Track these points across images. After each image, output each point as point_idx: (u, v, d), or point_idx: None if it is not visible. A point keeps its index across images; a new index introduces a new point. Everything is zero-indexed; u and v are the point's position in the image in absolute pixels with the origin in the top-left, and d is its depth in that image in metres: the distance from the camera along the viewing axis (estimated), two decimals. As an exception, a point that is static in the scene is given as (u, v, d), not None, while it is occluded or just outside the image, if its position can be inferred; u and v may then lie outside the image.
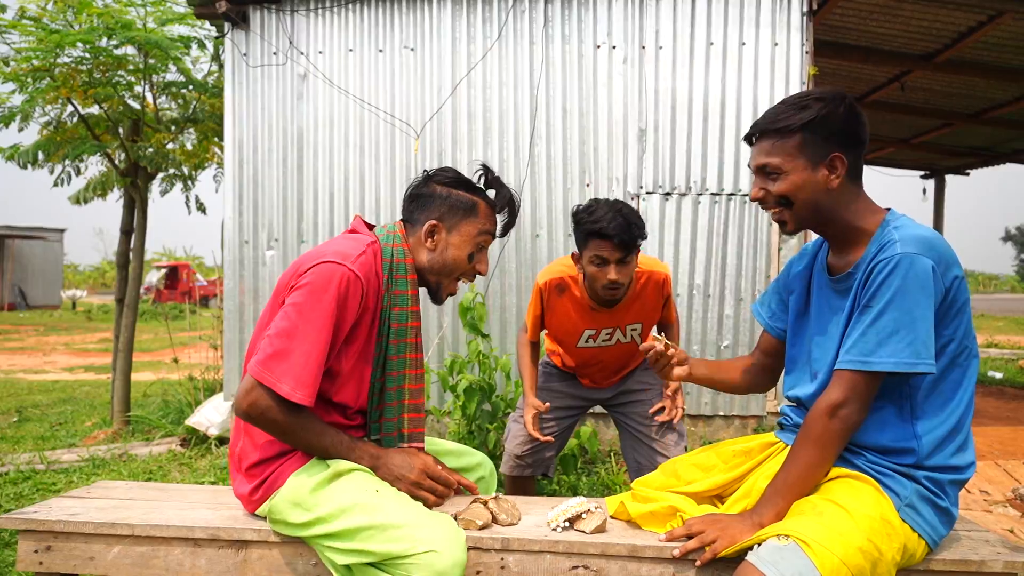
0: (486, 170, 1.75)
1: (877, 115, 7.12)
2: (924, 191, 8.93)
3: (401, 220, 1.75)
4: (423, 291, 1.79)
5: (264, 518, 1.64)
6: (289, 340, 1.47)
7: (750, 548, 1.35)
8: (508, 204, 1.73)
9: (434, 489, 1.63)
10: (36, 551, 1.68)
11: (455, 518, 1.60)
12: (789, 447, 1.57)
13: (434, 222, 1.67)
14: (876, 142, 8.29)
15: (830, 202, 1.44)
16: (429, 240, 1.68)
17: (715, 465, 1.65)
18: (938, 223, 8.88)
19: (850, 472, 1.45)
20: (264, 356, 1.48)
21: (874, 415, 1.43)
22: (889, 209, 1.49)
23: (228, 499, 1.85)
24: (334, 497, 1.51)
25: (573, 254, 2.34)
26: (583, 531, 1.58)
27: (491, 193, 1.76)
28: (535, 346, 2.61)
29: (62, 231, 26.87)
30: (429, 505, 1.60)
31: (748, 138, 1.51)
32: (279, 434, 1.53)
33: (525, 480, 2.62)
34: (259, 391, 1.47)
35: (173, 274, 27.57)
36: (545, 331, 2.60)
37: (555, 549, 1.55)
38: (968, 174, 9.04)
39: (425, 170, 1.76)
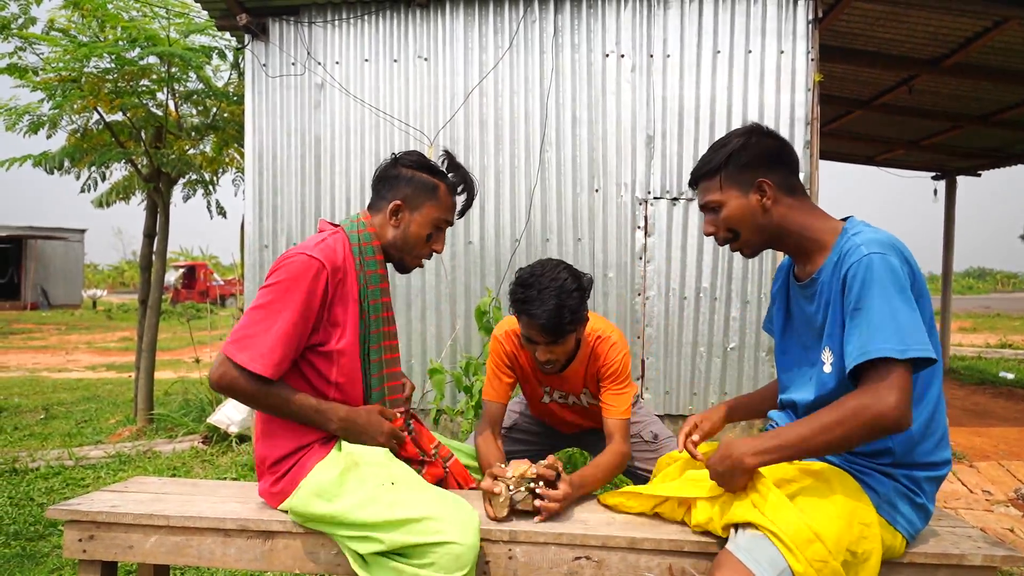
0: (448, 156, 1.89)
1: (885, 117, 7.15)
2: (935, 192, 8.93)
3: (367, 208, 1.89)
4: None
5: (287, 512, 1.75)
6: (254, 320, 1.64)
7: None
8: (466, 187, 1.89)
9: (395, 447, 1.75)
10: (80, 540, 1.81)
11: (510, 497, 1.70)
12: None
13: (399, 202, 1.81)
14: (885, 144, 8.29)
15: (773, 222, 1.56)
16: (393, 219, 1.82)
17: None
18: (949, 223, 8.86)
19: (831, 466, 1.53)
20: (232, 335, 1.66)
21: None
22: (848, 218, 1.57)
23: (255, 494, 1.96)
24: (353, 491, 1.62)
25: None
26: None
27: (452, 177, 1.89)
28: (498, 422, 2.22)
29: (82, 231, 27.25)
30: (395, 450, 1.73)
31: (691, 184, 1.67)
32: (248, 401, 1.67)
33: None
34: (225, 364, 1.63)
35: (191, 274, 27.89)
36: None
37: (559, 541, 1.65)
38: (979, 175, 9.01)
39: (393, 153, 1.88)
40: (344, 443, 1.74)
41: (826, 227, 1.55)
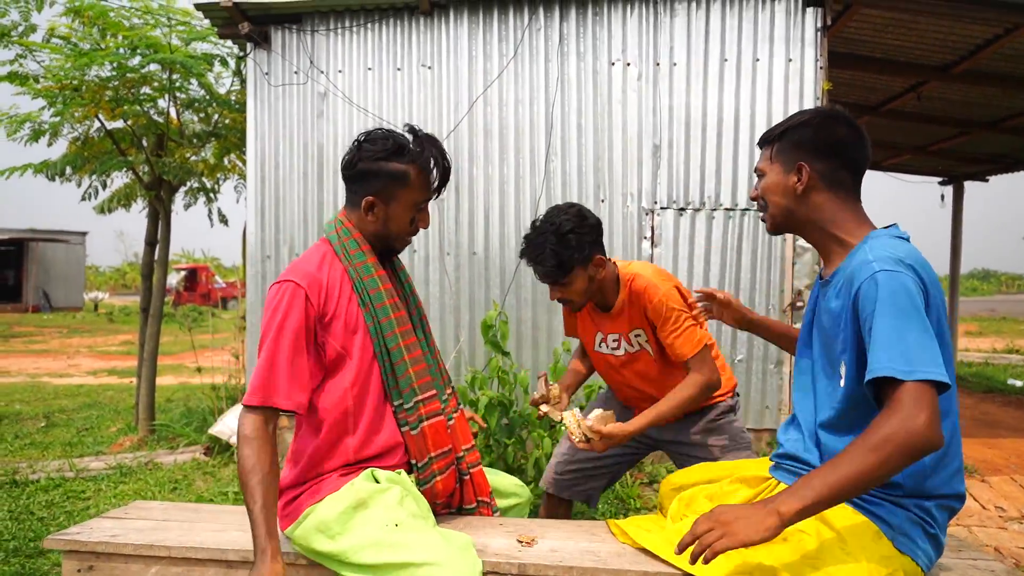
0: (412, 130, 1.77)
1: (894, 124, 7.10)
2: (942, 197, 8.87)
3: (345, 205, 1.84)
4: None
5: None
6: (257, 363, 1.65)
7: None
8: (439, 162, 1.77)
9: None
10: (79, 571, 1.77)
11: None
12: (782, 485, 1.61)
13: (371, 199, 1.74)
14: (892, 149, 8.24)
15: (801, 208, 1.57)
16: (369, 214, 1.76)
17: (720, 496, 1.71)
18: (956, 228, 8.81)
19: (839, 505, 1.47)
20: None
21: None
22: (890, 227, 1.52)
23: (257, 521, 1.94)
24: (356, 530, 1.58)
25: None
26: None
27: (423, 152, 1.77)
28: (578, 352, 2.58)
29: (84, 234, 27.29)
30: None
31: (759, 144, 1.71)
32: (240, 457, 1.56)
33: (559, 502, 2.50)
34: (243, 414, 1.60)
35: (192, 276, 27.88)
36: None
37: (569, 575, 1.61)
38: (988, 180, 8.96)
39: (356, 139, 1.77)
40: (358, 479, 1.69)
41: (854, 230, 1.52)
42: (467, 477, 1.91)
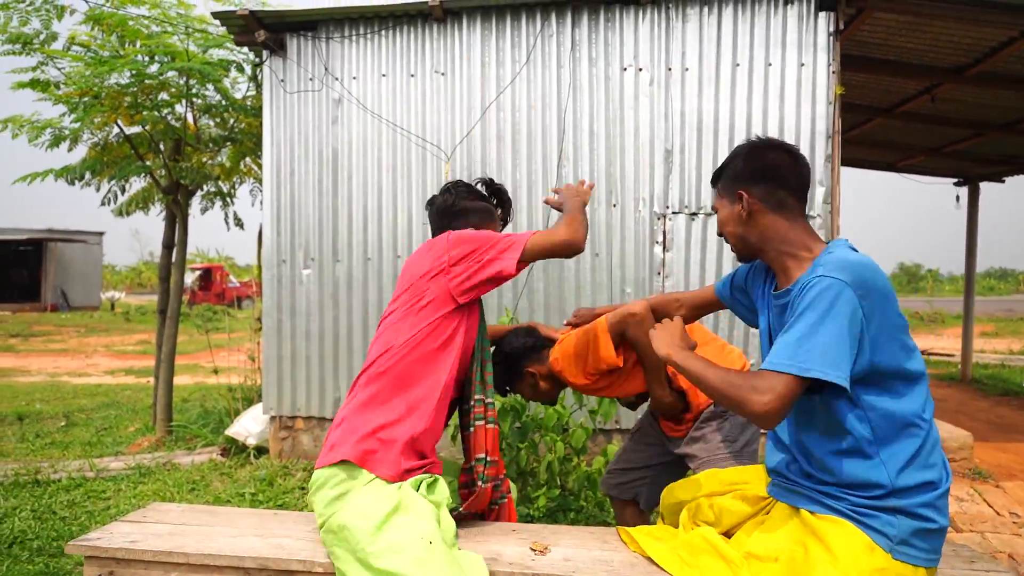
0: (489, 182, 2.24)
1: (908, 125, 7.05)
2: (957, 198, 8.79)
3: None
4: None
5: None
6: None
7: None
8: (507, 205, 2.25)
9: None
10: (100, 575, 1.83)
11: None
12: (779, 504, 1.64)
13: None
14: (906, 151, 8.19)
15: (752, 232, 1.67)
16: None
17: (723, 508, 1.74)
18: (972, 229, 8.72)
19: (835, 519, 1.49)
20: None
21: (840, 446, 1.49)
22: (837, 240, 1.59)
23: (274, 526, 1.98)
24: (387, 534, 1.61)
25: None
26: None
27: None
28: None
29: (101, 234, 27.61)
30: None
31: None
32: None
33: (619, 504, 2.58)
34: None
35: (207, 276, 28.11)
36: None
37: (581, 583, 1.64)
38: (1003, 181, 8.87)
39: (447, 185, 2.17)
40: (404, 485, 1.74)
41: (808, 245, 1.61)
42: (504, 502, 2.05)
